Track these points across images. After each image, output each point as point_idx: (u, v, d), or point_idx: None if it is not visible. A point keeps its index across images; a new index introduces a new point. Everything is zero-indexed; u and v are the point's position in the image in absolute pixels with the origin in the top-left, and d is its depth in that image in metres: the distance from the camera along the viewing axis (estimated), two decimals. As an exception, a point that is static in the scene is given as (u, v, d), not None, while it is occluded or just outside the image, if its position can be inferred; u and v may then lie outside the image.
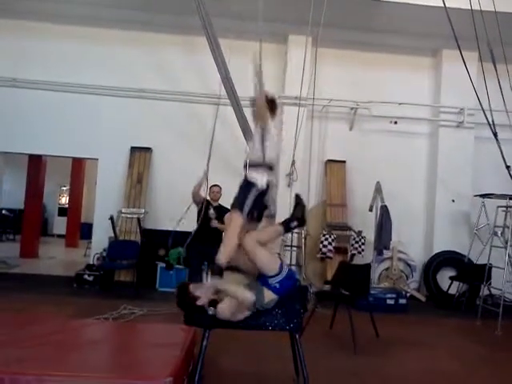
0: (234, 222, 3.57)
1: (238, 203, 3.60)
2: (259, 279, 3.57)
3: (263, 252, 3.54)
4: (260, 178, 3.62)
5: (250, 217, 3.64)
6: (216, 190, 6.76)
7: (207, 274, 3.45)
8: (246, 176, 3.69)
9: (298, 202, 3.90)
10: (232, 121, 7.79)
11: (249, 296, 3.38)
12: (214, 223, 6.42)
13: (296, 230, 8.46)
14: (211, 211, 6.56)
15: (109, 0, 8.23)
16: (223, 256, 3.48)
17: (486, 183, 8.55)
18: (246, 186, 3.64)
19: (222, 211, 6.35)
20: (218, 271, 3.45)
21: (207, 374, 3.76)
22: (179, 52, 8.87)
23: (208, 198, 6.73)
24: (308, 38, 7.44)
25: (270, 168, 3.71)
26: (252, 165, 3.69)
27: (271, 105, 3.80)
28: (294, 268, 8.22)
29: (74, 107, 8.82)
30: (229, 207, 3.82)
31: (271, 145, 3.70)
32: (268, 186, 3.66)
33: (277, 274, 3.50)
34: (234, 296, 3.37)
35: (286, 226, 3.81)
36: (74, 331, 3.96)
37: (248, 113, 7.13)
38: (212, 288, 3.46)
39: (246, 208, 3.54)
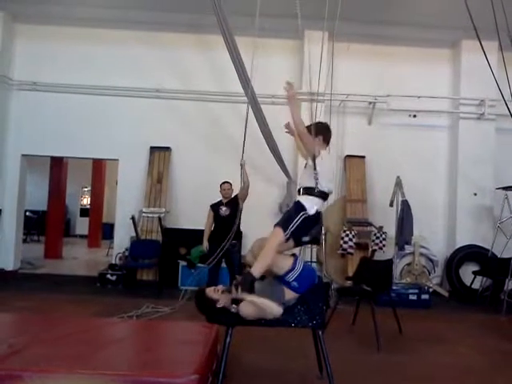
0: (275, 237, 3.54)
1: (284, 222, 3.60)
2: (280, 278, 3.57)
3: (274, 254, 3.55)
4: (310, 207, 3.63)
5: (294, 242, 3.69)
6: (227, 186, 6.79)
7: (237, 286, 3.42)
8: (298, 201, 3.71)
9: (317, 220, 3.82)
10: (251, 118, 7.79)
11: (276, 309, 3.39)
12: (223, 210, 6.63)
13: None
14: (223, 210, 6.64)
15: (125, 2, 8.30)
16: (258, 269, 3.46)
17: (508, 175, 8.42)
18: (296, 208, 3.65)
19: (234, 203, 6.54)
20: (250, 283, 3.42)
21: (231, 371, 3.79)
22: (196, 51, 8.92)
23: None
24: (324, 32, 7.39)
25: (324, 197, 3.72)
26: (305, 191, 3.71)
27: (325, 133, 3.84)
28: (314, 265, 8.21)
29: (94, 109, 8.93)
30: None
31: (325, 174, 3.69)
32: (318, 215, 3.68)
33: (291, 270, 3.49)
34: (261, 307, 3.37)
35: (299, 240, 3.76)
36: (99, 330, 4.02)
37: (268, 113, 7.22)
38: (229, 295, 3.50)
39: (290, 229, 3.55)
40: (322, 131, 3.81)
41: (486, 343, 5.51)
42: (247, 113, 5.68)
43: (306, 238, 3.76)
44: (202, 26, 8.42)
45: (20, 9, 8.76)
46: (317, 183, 3.64)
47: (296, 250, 4.31)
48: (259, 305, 3.37)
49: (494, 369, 4.62)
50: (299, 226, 3.58)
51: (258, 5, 4.39)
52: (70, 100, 8.91)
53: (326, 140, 3.85)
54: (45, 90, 8.88)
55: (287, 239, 3.62)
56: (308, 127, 3.71)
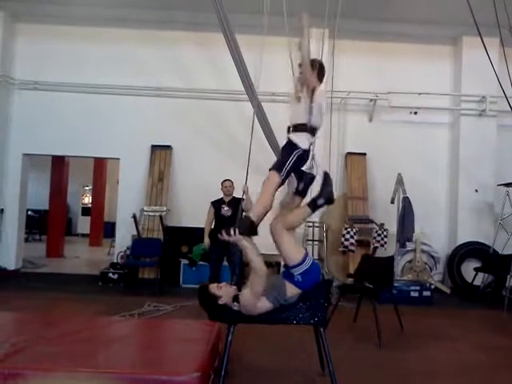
0: (271, 180, 3.51)
1: (278, 164, 3.56)
2: (283, 272, 3.56)
3: (290, 240, 3.53)
4: (303, 142, 3.59)
5: (296, 191, 3.68)
6: (228, 184, 6.80)
7: (234, 229, 3.26)
8: (289, 139, 3.65)
9: (326, 180, 3.81)
10: (250, 114, 7.79)
11: (263, 268, 3.32)
12: (225, 210, 6.60)
13: (317, 224, 8.49)
14: (225, 209, 6.65)
15: (125, 1, 8.29)
16: (255, 212, 3.43)
17: (510, 172, 8.42)
18: (288, 148, 3.61)
19: (236, 203, 6.44)
20: (249, 225, 3.35)
21: (233, 368, 3.80)
22: (196, 49, 8.91)
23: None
24: (325, 30, 7.39)
25: (313, 133, 3.68)
26: (296, 128, 3.65)
27: (320, 70, 3.79)
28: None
29: (95, 108, 8.95)
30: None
31: (317, 109, 3.67)
32: (310, 149, 3.64)
33: (299, 264, 3.45)
34: (252, 259, 3.31)
35: (314, 204, 3.71)
36: (102, 328, 4.04)
37: (270, 111, 7.20)
38: (233, 289, 3.47)
39: (285, 169, 3.51)
40: (317, 67, 3.77)
41: (487, 340, 5.51)
42: (253, 121, 5.63)
43: (320, 201, 3.70)
44: (202, 23, 8.41)
45: (21, 8, 8.76)
46: (310, 118, 3.62)
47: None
48: (251, 255, 3.30)
49: (496, 365, 4.62)
50: (294, 164, 3.54)
51: (265, 4, 4.36)
52: (71, 99, 8.92)
53: (321, 76, 3.82)
54: (46, 89, 8.90)
55: (295, 194, 3.66)
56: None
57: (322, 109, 3.75)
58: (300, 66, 3.78)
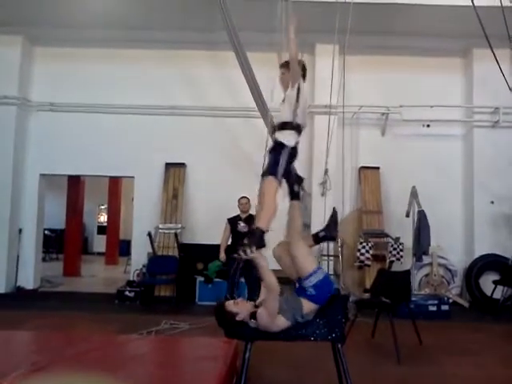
0: (269, 186, 3.49)
1: (270, 168, 3.55)
2: (296, 289, 3.56)
3: (305, 250, 3.55)
4: (289, 139, 3.59)
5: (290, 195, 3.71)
6: (244, 201, 6.86)
7: (246, 245, 3.23)
8: (275, 140, 3.66)
9: (333, 217, 3.85)
10: (262, 131, 7.86)
11: (277, 286, 3.30)
12: (241, 226, 6.65)
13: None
14: (241, 225, 6.68)
15: (138, 22, 8.46)
16: (264, 222, 3.40)
17: (526, 182, 8.34)
18: (276, 149, 3.60)
19: (252, 220, 6.48)
20: (259, 237, 3.32)
21: (251, 386, 3.78)
22: (209, 67, 9.03)
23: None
24: (335, 46, 7.46)
25: (299, 130, 3.69)
26: (281, 127, 3.67)
27: (302, 68, 3.85)
28: (331, 278, 8.18)
29: (109, 127, 9.09)
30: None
31: (302, 107, 3.68)
32: (296, 146, 3.64)
33: (311, 274, 3.42)
34: (265, 278, 3.30)
35: (316, 237, 3.80)
36: (119, 347, 4.06)
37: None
38: (250, 305, 3.47)
39: (279, 171, 3.50)
40: (301, 65, 3.84)
41: (509, 354, 5.41)
42: (267, 139, 5.66)
43: (321, 234, 3.74)
44: (214, 42, 8.54)
45: (38, 32, 8.99)
46: (295, 116, 3.63)
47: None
48: (264, 274, 3.28)
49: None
50: (286, 164, 3.54)
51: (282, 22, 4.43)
52: (86, 119, 9.09)
53: (303, 76, 3.87)
54: (62, 110, 9.09)
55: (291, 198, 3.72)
56: (287, 62, 3.76)
57: (305, 107, 3.79)
58: (282, 66, 3.86)
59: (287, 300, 3.47)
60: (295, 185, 3.78)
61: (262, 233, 3.35)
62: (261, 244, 3.30)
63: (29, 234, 9.11)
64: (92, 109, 9.03)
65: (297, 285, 3.58)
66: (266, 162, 3.69)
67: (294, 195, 3.80)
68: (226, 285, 6.77)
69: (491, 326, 6.84)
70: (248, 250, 3.22)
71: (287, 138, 3.61)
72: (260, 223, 3.41)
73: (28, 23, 8.66)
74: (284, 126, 3.66)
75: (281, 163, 3.51)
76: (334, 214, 3.86)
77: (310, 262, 3.56)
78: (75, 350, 3.71)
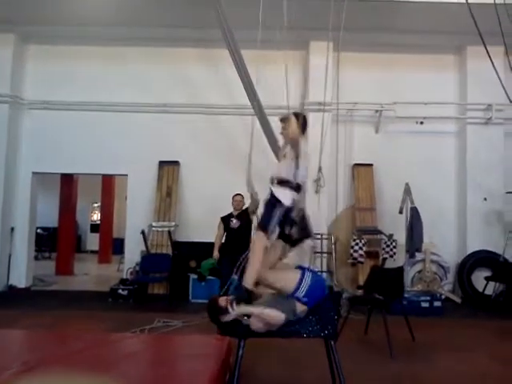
0: (258, 244, 3.57)
1: (262, 221, 3.61)
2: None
3: (275, 275, 3.59)
4: (285, 198, 3.59)
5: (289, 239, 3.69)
6: (238, 198, 6.86)
7: (232, 302, 3.43)
8: (271, 193, 3.65)
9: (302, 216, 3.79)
10: (258, 130, 7.84)
11: (277, 315, 3.37)
12: (233, 223, 6.70)
13: (325, 236, 8.47)
14: (233, 222, 6.70)
15: (131, 19, 8.41)
16: (249, 279, 3.50)
17: (518, 179, 8.38)
18: (272, 204, 3.60)
19: (244, 216, 6.65)
20: (244, 294, 3.47)
21: (243, 383, 3.77)
22: (202, 65, 9.00)
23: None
24: (329, 43, 7.45)
25: (299, 189, 3.68)
26: (280, 182, 3.66)
27: (303, 123, 3.82)
28: (324, 274, 8.20)
29: (102, 125, 9.04)
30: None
31: (302, 164, 3.68)
32: (293, 204, 3.62)
33: (297, 289, 3.47)
34: (263, 317, 3.38)
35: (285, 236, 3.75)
36: (112, 345, 4.03)
37: (275, 124, 7.23)
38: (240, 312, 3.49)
39: (271, 227, 3.54)
40: (301, 119, 3.81)
41: (501, 350, 5.44)
42: (253, 132, 5.71)
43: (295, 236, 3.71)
44: (208, 40, 8.50)
45: (30, 30, 8.93)
46: (295, 175, 3.62)
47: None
48: (261, 316, 3.37)
49: (510, 375, 4.56)
50: (278, 221, 3.55)
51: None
52: (79, 117, 9.03)
53: (303, 129, 3.85)
54: (54, 108, 9.02)
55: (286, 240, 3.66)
56: (286, 117, 3.77)
57: (307, 168, 3.79)
58: (281, 121, 3.84)
59: (280, 302, 3.48)
60: (291, 228, 3.71)
61: (246, 290, 3.49)
62: (246, 300, 3.48)
63: (21, 232, 9.05)
64: (85, 107, 8.97)
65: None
66: (261, 213, 3.73)
67: (284, 238, 3.75)
68: (219, 283, 6.75)
69: (483, 322, 6.88)
70: (229, 307, 3.40)
71: (285, 196, 3.60)
72: (244, 281, 3.52)
73: (20, 21, 8.60)
74: (283, 183, 3.65)
75: (272, 220, 3.54)
76: (301, 211, 3.77)
77: (291, 279, 3.55)
78: (68, 349, 3.70)
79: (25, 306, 7.57)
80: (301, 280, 3.50)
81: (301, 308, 3.48)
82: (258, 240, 3.58)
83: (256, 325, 3.40)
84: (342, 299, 7.19)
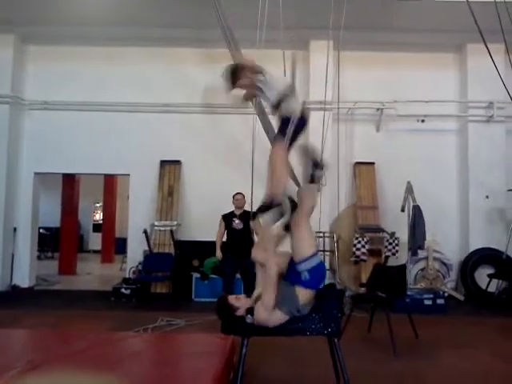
0: (278, 154, 3.45)
1: (279, 131, 3.53)
2: (289, 277, 3.47)
3: (309, 229, 3.52)
4: (295, 107, 3.56)
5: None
6: (239, 197, 6.85)
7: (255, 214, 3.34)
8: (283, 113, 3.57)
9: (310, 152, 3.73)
10: (259, 129, 7.84)
11: (274, 268, 3.36)
12: (236, 223, 6.64)
13: (327, 235, 8.47)
14: (236, 222, 6.68)
15: (132, 19, 8.42)
16: (277, 189, 3.38)
17: (520, 177, 8.38)
18: (286, 118, 3.53)
19: (247, 216, 6.59)
20: (267, 208, 3.35)
21: (247, 381, 3.79)
22: (202, 65, 8.98)
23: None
24: (329, 42, 7.45)
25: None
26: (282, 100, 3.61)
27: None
28: (327, 273, 8.20)
29: (104, 125, 9.05)
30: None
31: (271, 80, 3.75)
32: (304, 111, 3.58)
33: (310, 257, 3.40)
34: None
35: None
36: (116, 344, 4.04)
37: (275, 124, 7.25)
38: (250, 299, 3.48)
39: (289, 133, 3.44)
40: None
41: (504, 347, 5.43)
42: (253, 132, 5.68)
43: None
44: (208, 40, 8.49)
45: (30, 31, 8.93)
46: (271, 87, 3.69)
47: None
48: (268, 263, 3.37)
49: (513, 372, 4.56)
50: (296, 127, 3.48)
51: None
52: (81, 117, 9.05)
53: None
54: (55, 108, 9.03)
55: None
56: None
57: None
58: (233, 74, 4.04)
59: (282, 293, 3.46)
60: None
61: (277, 203, 3.36)
62: (264, 210, 3.36)
63: (24, 232, 9.08)
64: (86, 107, 8.98)
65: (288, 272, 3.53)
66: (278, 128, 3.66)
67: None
68: (223, 281, 6.76)
69: (486, 320, 6.87)
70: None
71: (293, 106, 3.54)
72: (274, 191, 3.39)
73: (20, 22, 8.61)
74: (284, 97, 3.59)
75: (290, 129, 3.45)
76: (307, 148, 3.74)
77: (310, 245, 3.51)
78: (72, 348, 3.72)
79: (28, 305, 7.59)
80: (314, 253, 3.46)
81: (304, 295, 3.41)
82: (277, 150, 3.44)
83: (259, 312, 3.36)
84: (345, 297, 7.20)
